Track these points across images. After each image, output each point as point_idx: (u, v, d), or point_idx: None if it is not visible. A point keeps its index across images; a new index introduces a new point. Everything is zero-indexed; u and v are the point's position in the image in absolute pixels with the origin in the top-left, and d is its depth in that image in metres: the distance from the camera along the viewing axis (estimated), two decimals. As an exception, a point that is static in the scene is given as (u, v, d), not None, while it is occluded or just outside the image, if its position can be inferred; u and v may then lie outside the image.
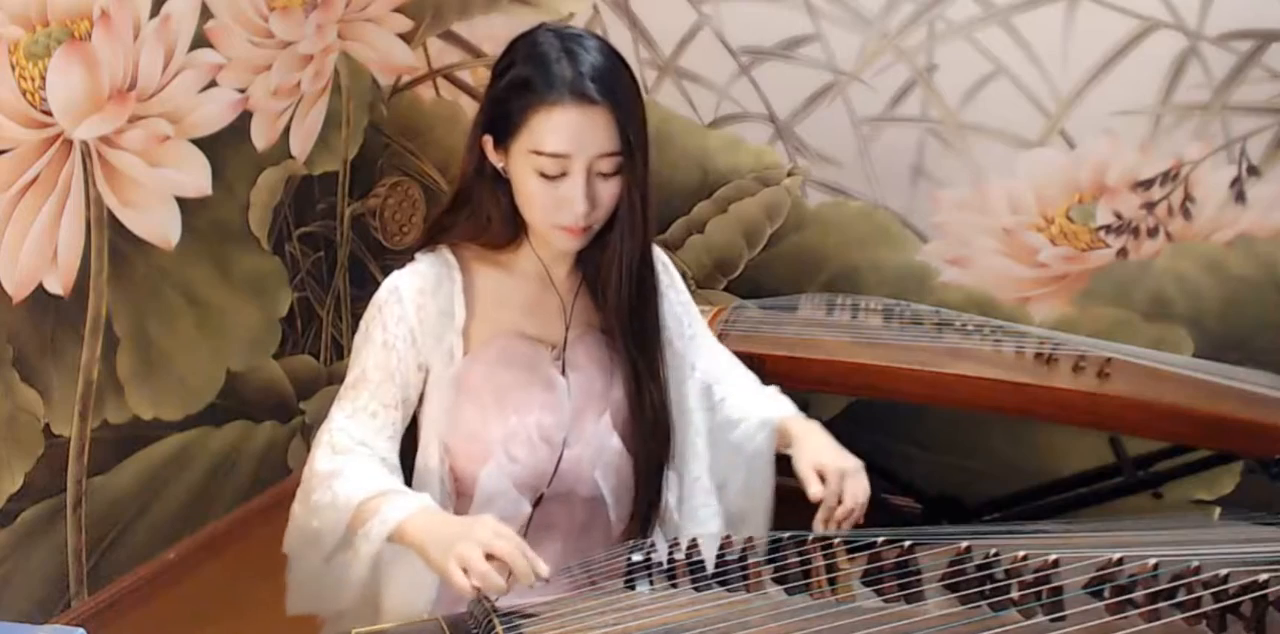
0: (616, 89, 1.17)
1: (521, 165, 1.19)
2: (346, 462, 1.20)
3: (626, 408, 1.33)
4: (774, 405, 1.43)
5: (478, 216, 1.26)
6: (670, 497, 1.37)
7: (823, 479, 1.24)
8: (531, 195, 1.19)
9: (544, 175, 1.17)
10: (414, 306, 1.24)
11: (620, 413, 1.33)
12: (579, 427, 1.30)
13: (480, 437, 1.27)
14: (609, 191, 1.20)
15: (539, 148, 1.16)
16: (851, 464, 1.26)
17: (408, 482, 1.32)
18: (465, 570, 1.01)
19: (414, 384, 1.26)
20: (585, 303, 1.33)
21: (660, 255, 1.39)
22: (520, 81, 1.17)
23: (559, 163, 1.16)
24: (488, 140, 1.22)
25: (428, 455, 1.28)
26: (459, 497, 1.30)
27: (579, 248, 1.25)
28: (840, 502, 1.23)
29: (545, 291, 1.31)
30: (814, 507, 1.25)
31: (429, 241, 1.30)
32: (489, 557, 1.02)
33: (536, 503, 1.29)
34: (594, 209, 1.19)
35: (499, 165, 1.22)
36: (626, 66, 1.20)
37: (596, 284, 1.31)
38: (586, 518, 1.34)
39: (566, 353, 1.30)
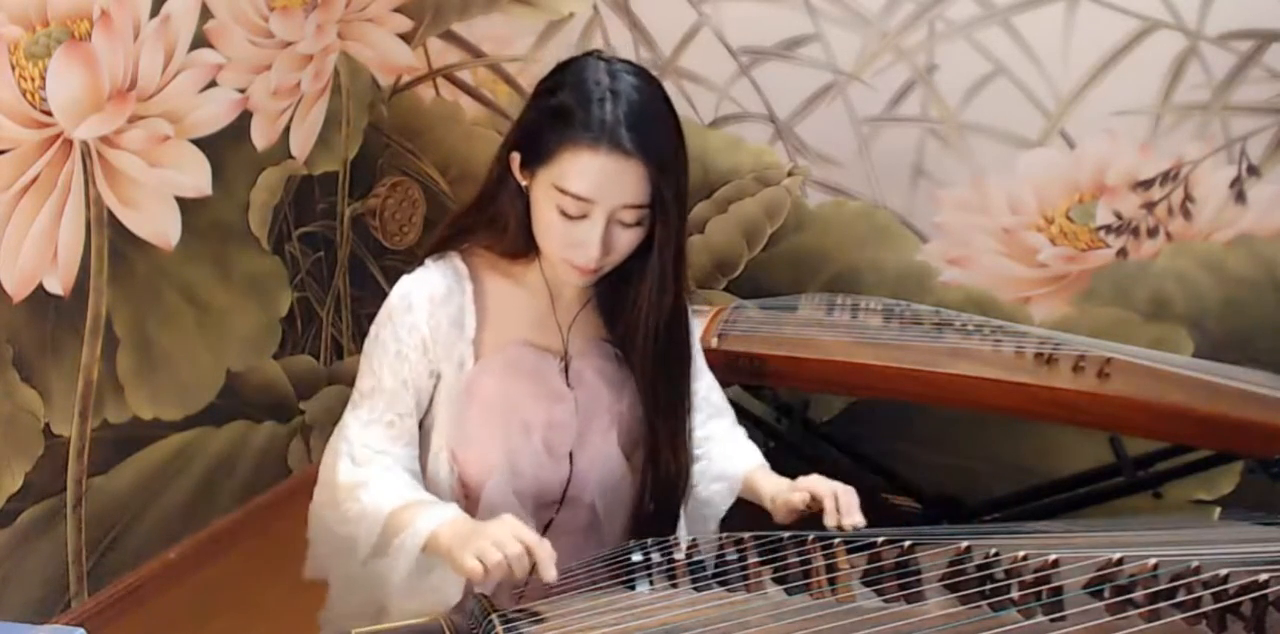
0: (654, 142, 1.13)
1: (544, 196, 1.17)
2: (369, 473, 1.22)
3: (631, 423, 1.32)
4: (740, 460, 1.40)
5: (496, 223, 1.25)
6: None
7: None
8: (548, 227, 1.18)
9: (564, 213, 1.15)
10: (425, 315, 1.23)
11: (626, 429, 1.32)
12: (584, 439, 1.30)
13: (488, 449, 1.27)
14: (627, 240, 1.18)
15: (563, 186, 1.13)
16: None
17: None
18: (481, 563, 1.04)
19: (426, 390, 1.27)
20: (592, 317, 1.32)
21: None
22: (559, 110, 1.14)
23: (580, 205, 1.14)
24: (515, 158, 1.20)
25: (438, 464, 1.28)
26: (467, 500, 1.29)
27: (586, 285, 1.25)
28: (836, 496, 1.22)
29: (550, 308, 1.30)
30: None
31: (446, 240, 1.29)
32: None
33: (546, 517, 1.30)
34: (607, 254, 1.17)
35: (523, 183, 1.21)
36: (673, 114, 1.17)
37: (609, 301, 1.30)
38: (589, 524, 1.33)
39: (573, 366, 1.30)
